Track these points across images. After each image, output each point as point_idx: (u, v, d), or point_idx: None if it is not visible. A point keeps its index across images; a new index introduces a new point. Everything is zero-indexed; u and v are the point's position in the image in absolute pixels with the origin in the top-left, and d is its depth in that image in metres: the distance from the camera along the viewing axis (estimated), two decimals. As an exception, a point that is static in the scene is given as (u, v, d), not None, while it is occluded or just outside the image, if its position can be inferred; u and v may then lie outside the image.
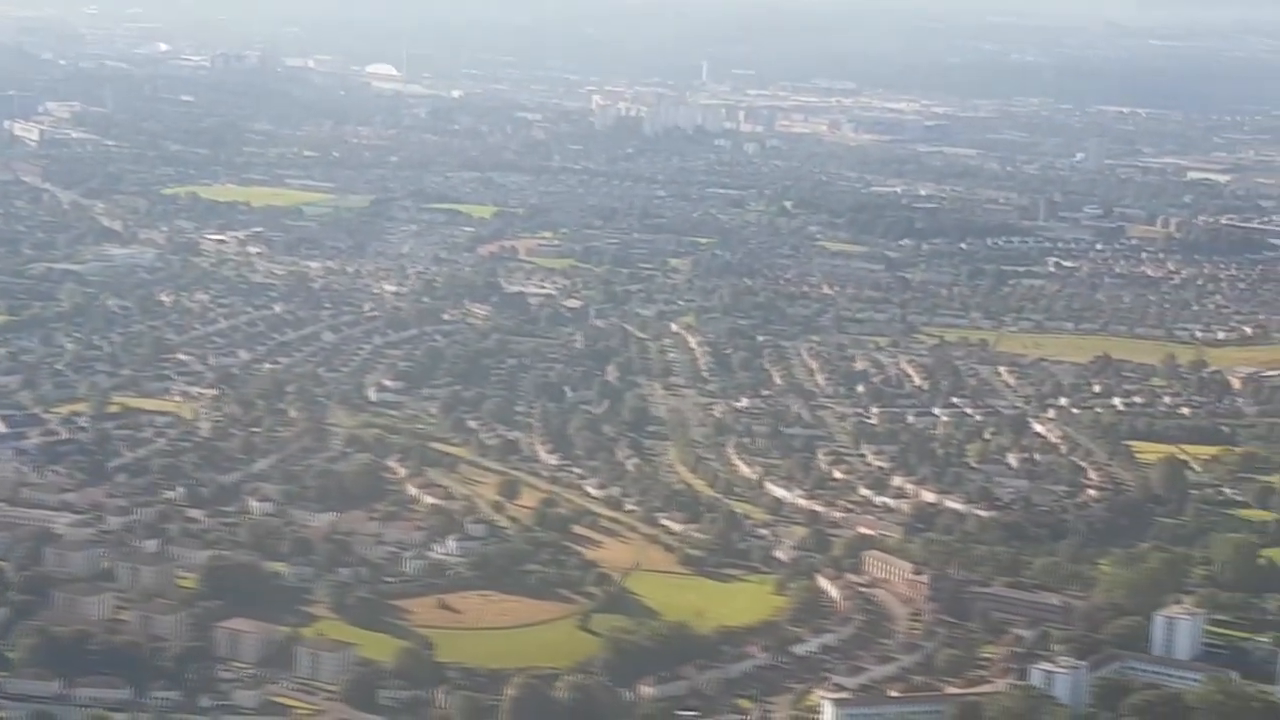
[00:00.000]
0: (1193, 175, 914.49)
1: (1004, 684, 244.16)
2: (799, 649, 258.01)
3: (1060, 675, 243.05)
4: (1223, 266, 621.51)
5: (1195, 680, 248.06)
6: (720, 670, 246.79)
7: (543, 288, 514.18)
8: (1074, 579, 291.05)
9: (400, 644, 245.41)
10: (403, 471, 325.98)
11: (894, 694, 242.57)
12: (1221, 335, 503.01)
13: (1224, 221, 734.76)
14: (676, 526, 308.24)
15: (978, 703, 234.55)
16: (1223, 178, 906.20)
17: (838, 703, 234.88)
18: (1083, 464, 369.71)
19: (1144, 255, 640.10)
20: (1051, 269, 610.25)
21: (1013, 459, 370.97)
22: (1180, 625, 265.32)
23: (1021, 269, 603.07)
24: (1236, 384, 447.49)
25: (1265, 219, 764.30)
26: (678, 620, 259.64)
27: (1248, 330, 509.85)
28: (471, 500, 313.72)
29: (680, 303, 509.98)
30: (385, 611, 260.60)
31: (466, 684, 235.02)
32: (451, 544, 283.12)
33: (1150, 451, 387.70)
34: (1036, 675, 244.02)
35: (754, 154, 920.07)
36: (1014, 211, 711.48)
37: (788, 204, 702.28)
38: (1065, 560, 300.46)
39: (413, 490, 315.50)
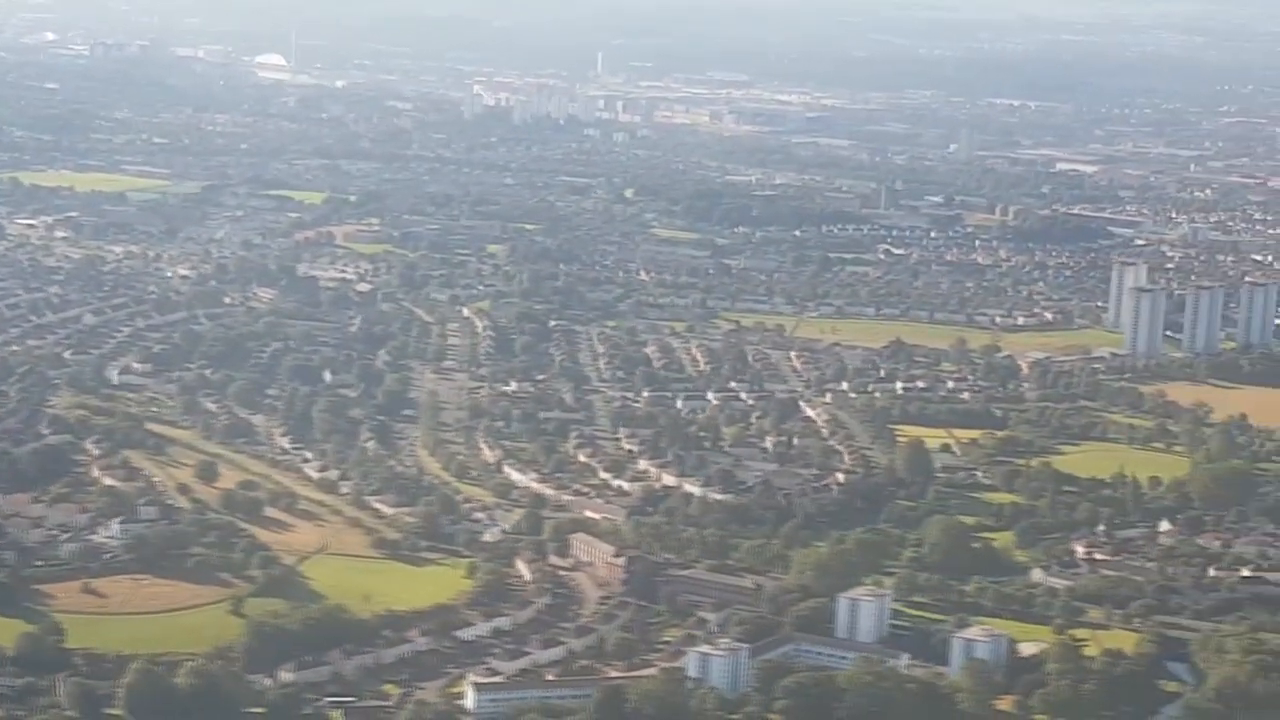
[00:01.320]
0: (1061, 166, 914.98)
1: (665, 668, 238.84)
2: (468, 633, 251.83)
3: (717, 659, 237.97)
4: (1054, 254, 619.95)
5: (853, 661, 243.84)
6: (372, 655, 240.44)
7: (342, 272, 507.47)
8: (778, 562, 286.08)
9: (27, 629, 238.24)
10: (96, 453, 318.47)
11: (550, 678, 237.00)
12: (1022, 321, 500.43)
13: (1073, 211, 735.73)
14: (388, 510, 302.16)
15: (622, 687, 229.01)
16: (1090, 169, 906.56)
17: (480, 688, 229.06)
18: (839, 448, 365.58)
19: (977, 243, 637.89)
20: (880, 256, 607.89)
21: (769, 443, 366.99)
22: (863, 607, 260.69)
23: (849, 256, 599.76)
24: (1025, 369, 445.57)
25: (1117, 209, 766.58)
26: (339, 604, 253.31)
27: (1049, 316, 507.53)
28: (156, 483, 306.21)
29: (480, 288, 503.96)
30: (25, 596, 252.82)
31: (89, 670, 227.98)
32: (115, 527, 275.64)
33: (918, 436, 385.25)
34: (693, 659, 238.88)
35: (620, 143, 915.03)
36: (855, 200, 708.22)
37: (629, 192, 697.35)
38: (779, 543, 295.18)
39: (95, 472, 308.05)
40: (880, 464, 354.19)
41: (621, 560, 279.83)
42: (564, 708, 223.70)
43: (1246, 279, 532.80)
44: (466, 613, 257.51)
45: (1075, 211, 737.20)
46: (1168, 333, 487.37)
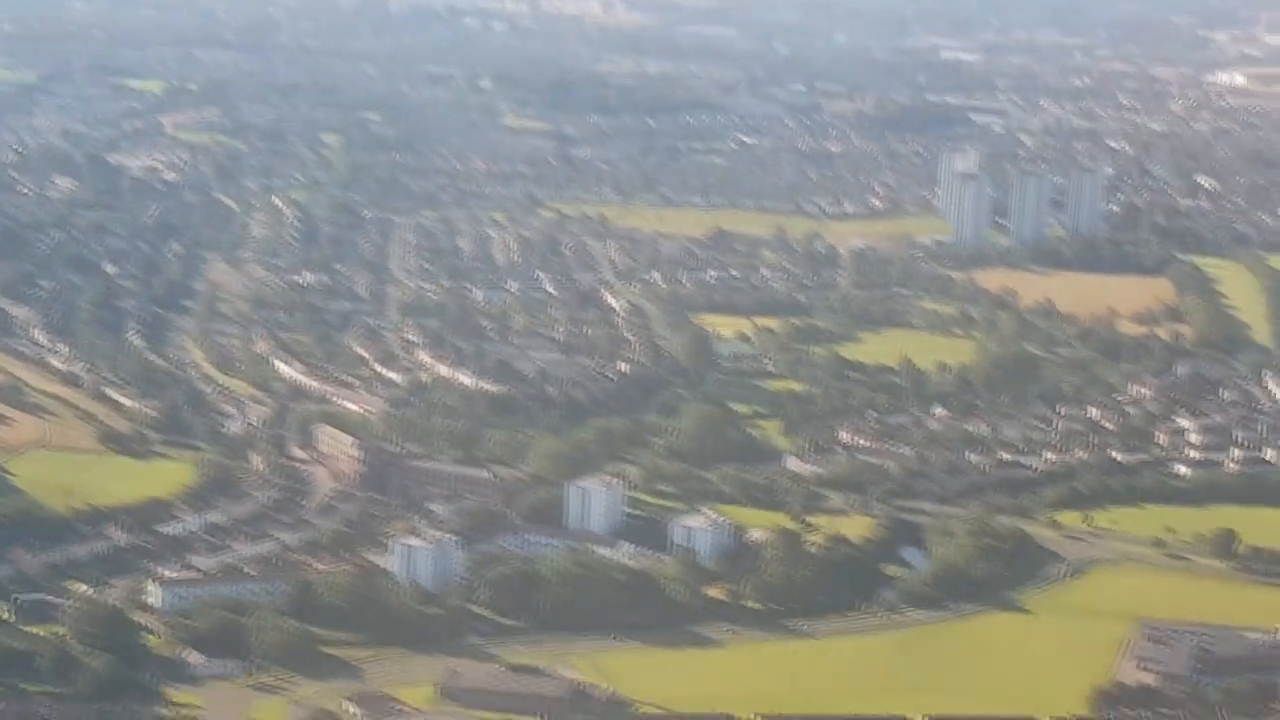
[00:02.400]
0: (945, 55, 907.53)
1: (362, 563, 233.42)
2: (175, 528, 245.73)
3: (422, 551, 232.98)
4: (908, 142, 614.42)
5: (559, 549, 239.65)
6: (61, 551, 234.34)
7: (154, 162, 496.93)
8: (522, 452, 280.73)
9: None
10: None
11: (248, 573, 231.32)
12: (850, 209, 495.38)
13: (943, 99, 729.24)
14: (127, 403, 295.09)
15: (314, 582, 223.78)
16: (974, 57, 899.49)
17: (166, 584, 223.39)
18: (631, 337, 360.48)
19: (833, 131, 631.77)
20: (732, 145, 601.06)
21: (560, 333, 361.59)
22: (594, 497, 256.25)
23: (699, 145, 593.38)
24: (844, 256, 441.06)
25: (988, 97, 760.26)
26: (36, 500, 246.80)
27: (878, 204, 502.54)
28: None
29: (299, 177, 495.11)
30: None
31: None
32: None
33: (721, 324, 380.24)
34: (398, 551, 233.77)
35: (499, 33, 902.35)
36: (716, 89, 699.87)
37: (486, 82, 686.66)
38: (532, 435, 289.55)
39: None
40: (668, 353, 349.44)
41: (359, 453, 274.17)
42: (253, 603, 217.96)
43: (1077, 166, 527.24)
44: (178, 508, 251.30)
45: (944, 100, 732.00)
46: (1000, 220, 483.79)
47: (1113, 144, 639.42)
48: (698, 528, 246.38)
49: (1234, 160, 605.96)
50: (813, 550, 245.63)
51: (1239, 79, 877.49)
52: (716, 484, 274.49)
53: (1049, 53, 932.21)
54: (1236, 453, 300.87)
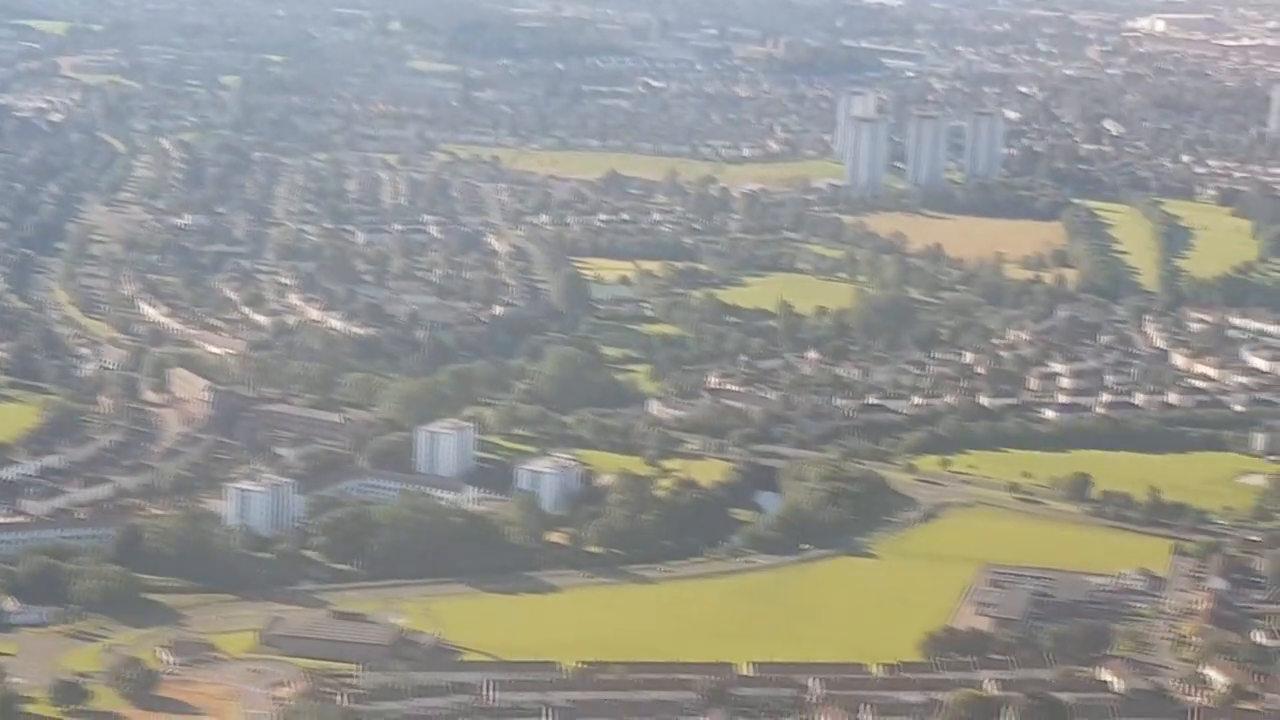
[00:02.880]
0: (868, 0, 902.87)
1: (193, 506, 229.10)
2: (12, 472, 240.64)
3: (257, 495, 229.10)
4: (816, 86, 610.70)
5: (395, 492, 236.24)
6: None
7: (46, 102, 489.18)
8: (380, 396, 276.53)
9: None
10: None
11: (81, 518, 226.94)
12: (747, 152, 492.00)
13: (859, 44, 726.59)
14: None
15: (141, 527, 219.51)
16: (897, 2, 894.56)
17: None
18: (510, 281, 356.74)
19: (742, 75, 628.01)
20: (639, 89, 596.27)
21: (437, 275, 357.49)
22: (443, 441, 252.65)
23: (605, 89, 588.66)
24: (736, 200, 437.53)
25: (906, 41, 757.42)
26: None
27: (775, 147, 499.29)
28: None
29: (191, 119, 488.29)
30: None
31: None
32: None
33: (605, 267, 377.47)
34: (233, 496, 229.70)
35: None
36: (626, 32, 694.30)
37: (396, 24, 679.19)
38: (393, 378, 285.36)
39: None
40: (542, 297, 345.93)
41: (210, 396, 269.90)
42: (78, 549, 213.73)
43: (975, 110, 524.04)
44: (16, 451, 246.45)
45: (859, 45, 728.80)
46: (900, 164, 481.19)
47: (1023, 89, 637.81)
48: (543, 472, 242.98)
49: (1142, 105, 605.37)
50: (660, 495, 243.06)
51: (1159, 25, 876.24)
52: (574, 428, 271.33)
53: (979, 1, 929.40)
54: (1106, 397, 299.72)
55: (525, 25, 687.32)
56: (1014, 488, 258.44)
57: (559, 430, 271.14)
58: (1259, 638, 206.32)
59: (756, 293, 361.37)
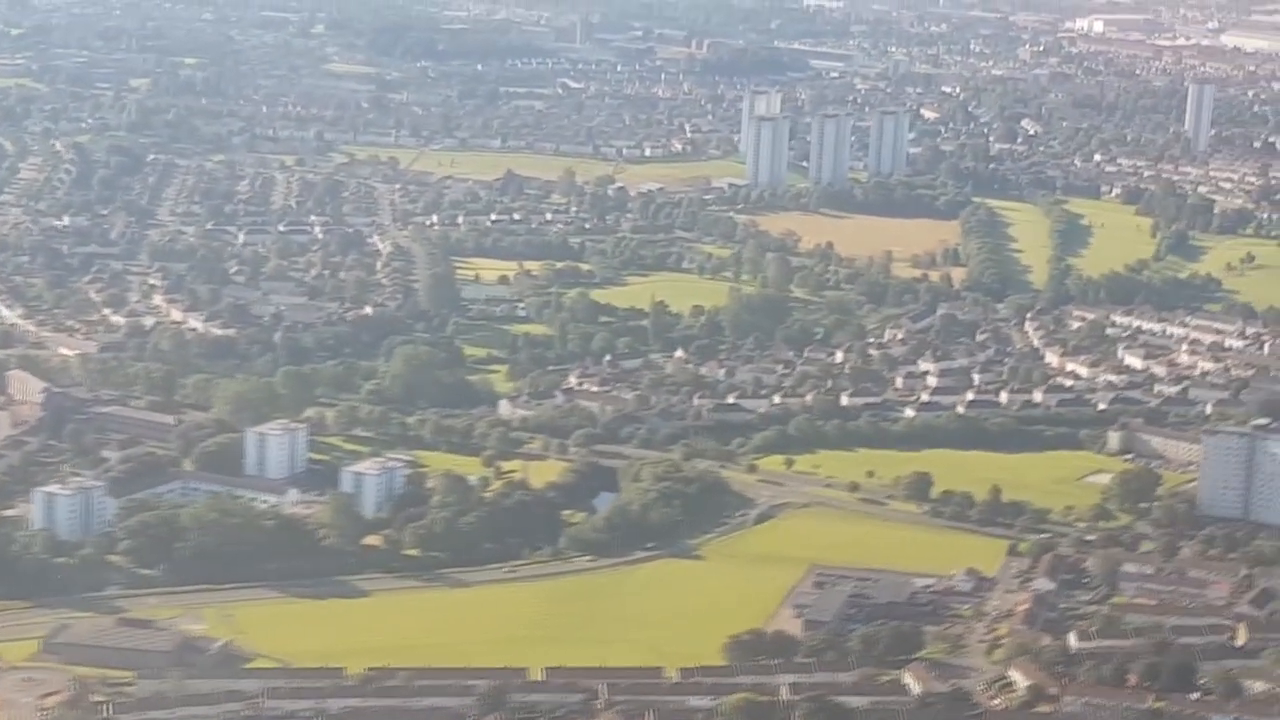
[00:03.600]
0: (809, 2, 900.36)
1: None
2: None
3: (63, 499, 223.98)
4: (737, 87, 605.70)
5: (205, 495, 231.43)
6: None
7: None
8: (220, 397, 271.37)
9: None
10: None
11: None
12: (649, 152, 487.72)
13: (791, 45, 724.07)
14: None
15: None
16: (837, 4, 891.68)
17: None
18: (385, 281, 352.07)
19: (663, 76, 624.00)
20: (558, 90, 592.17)
21: (312, 275, 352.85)
22: (272, 442, 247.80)
23: (522, 90, 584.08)
24: (633, 199, 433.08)
25: (839, 42, 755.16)
26: None
27: (677, 146, 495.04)
28: None
29: (89, 120, 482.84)
30: None
31: None
32: None
33: (489, 268, 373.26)
34: (38, 500, 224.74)
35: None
36: (551, 33, 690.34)
37: (320, 27, 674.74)
38: (240, 379, 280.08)
39: None
40: (414, 297, 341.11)
41: (42, 397, 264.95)
42: None
43: (879, 108, 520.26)
44: None
45: (791, 46, 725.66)
46: (805, 163, 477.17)
47: (947, 89, 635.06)
48: (366, 473, 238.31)
49: (1063, 105, 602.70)
50: (486, 497, 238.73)
51: (1098, 25, 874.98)
52: (415, 429, 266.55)
53: (919, 3, 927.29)
54: (970, 396, 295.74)
55: (449, 28, 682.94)
56: (855, 488, 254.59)
57: (400, 431, 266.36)
58: (1072, 639, 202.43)
59: (636, 292, 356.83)
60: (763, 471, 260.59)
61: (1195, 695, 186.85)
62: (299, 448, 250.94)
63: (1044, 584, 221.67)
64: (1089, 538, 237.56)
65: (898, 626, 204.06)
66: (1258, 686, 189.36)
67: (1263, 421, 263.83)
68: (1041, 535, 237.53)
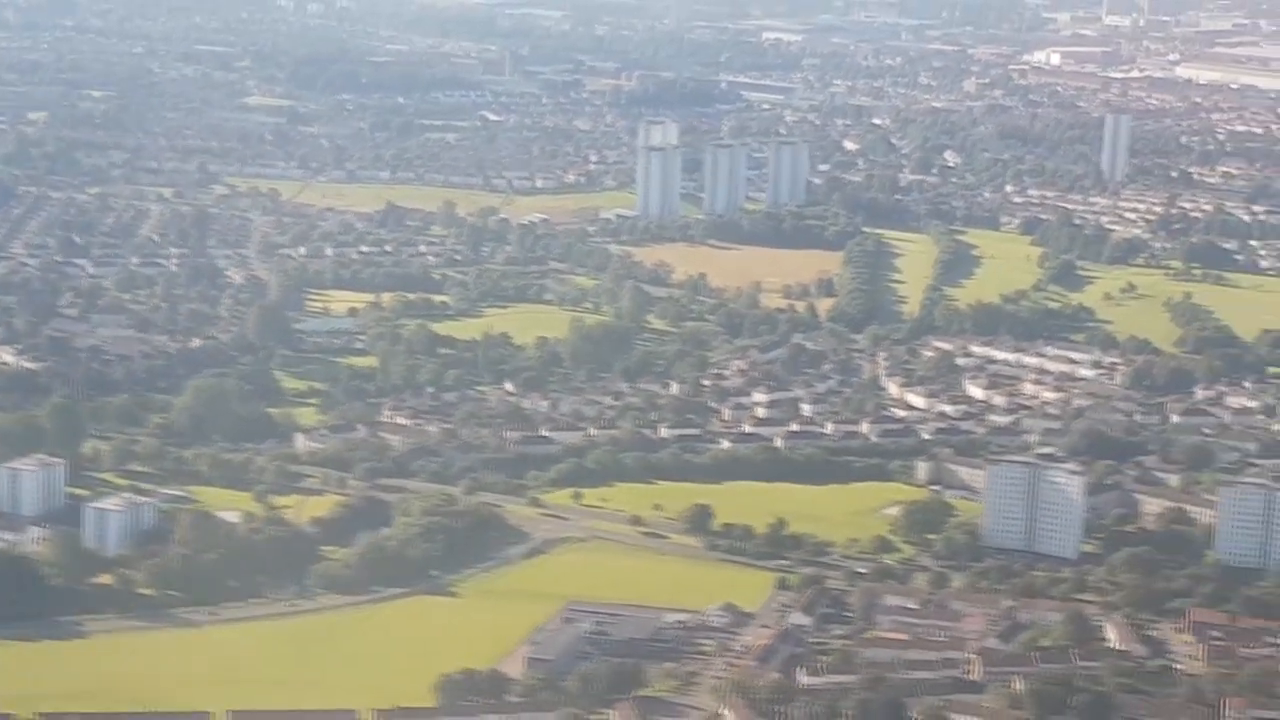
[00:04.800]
0: (768, 36, 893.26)
1: None
2: None
3: None
4: (662, 120, 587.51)
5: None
6: None
7: None
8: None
9: None
10: None
11: None
12: (540, 183, 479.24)
13: (737, 78, 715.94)
14: None
15: None
16: (797, 38, 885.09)
17: None
18: (224, 314, 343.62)
19: (587, 109, 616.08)
20: (475, 122, 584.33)
21: (149, 308, 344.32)
22: (25, 479, 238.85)
23: (439, 122, 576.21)
24: (514, 230, 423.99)
25: (787, 76, 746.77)
26: None
27: (570, 178, 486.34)
28: None
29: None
30: None
31: None
32: None
33: (346, 299, 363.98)
34: None
35: (312, 14, 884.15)
36: (479, 66, 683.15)
37: (245, 61, 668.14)
38: (26, 414, 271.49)
39: None
40: (250, 329, 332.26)
41: None
42: None
43: (776, 137, 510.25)
44: None
45: (735, 79, 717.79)
46: (704, 194, 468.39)
47: (877, 120, 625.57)
48: (109, 510, 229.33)
49: (990, 136, 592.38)
50: (239, 533, 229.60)
51: (1054, 58, 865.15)
52: (192, 463, 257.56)
53: (877, 33, 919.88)
54: (794, 426, 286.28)
55: (374, 60, 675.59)
56: (636, 521, 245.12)
57: (176, 466, 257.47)
58: (802, 676, 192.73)
59: (490, 324, 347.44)
60: (548, 505, 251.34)
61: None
62: (55, 484, 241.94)
63: (799, 618, 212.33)
64: (860, 570, 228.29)
65: (619, 664, 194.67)
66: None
67: (1047, 450, 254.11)
68: (811, 569, 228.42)
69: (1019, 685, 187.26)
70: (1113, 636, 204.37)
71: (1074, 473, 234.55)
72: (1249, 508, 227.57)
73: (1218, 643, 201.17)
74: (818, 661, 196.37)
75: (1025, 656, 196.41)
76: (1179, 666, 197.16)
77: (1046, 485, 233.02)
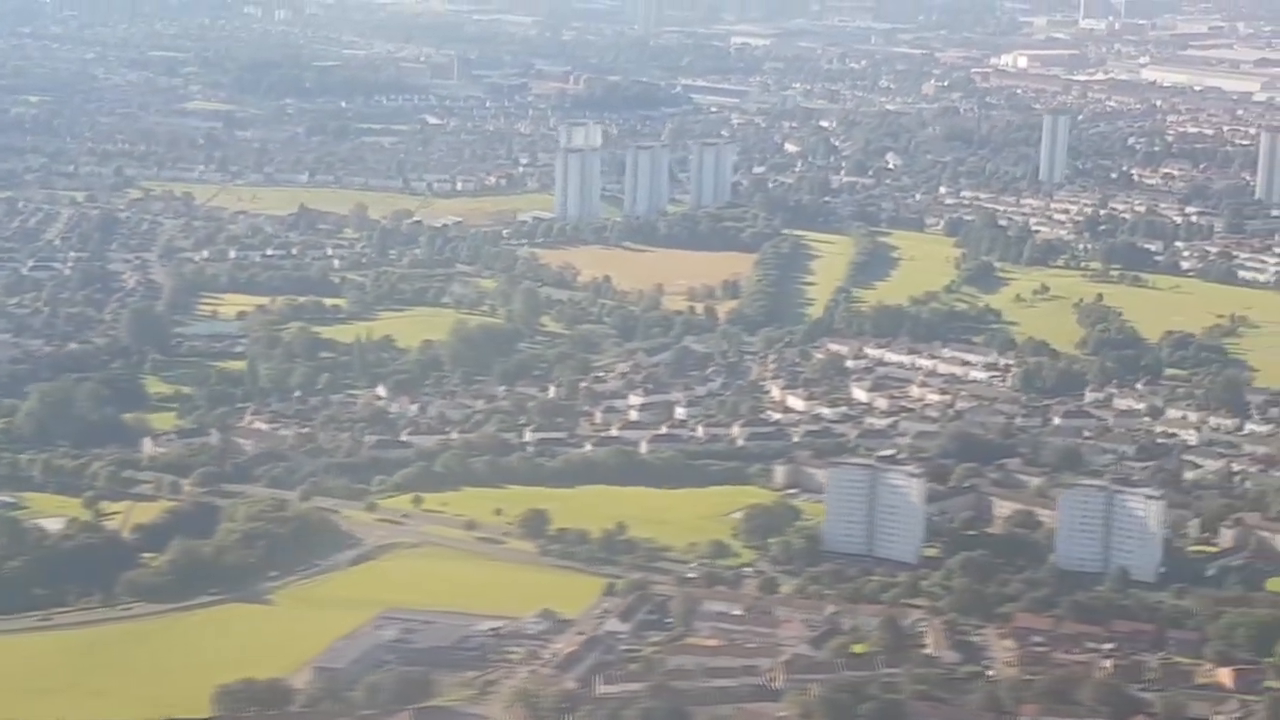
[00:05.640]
0: (736, 40, 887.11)
1: None
2: None
3: None
4: (606, 123, 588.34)
5: None
6: None
7: None
8: None
9: None
10: None
11: None
12: (460, 185, 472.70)
13: (693, 82, 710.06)
14: None
15: None
16: (765, 42, 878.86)
17: None
18: (107, 317, 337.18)
19: (531, 112, 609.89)
20: (416, 126, 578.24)
21: (29, 311, 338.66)
22: None
23: (378, 126, 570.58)
24: (426, 234, 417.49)
25: (744, 79, 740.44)
26: None
27: (491, 180, 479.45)
28: None
29: None
30: None
31: None
32: None
33: (239, 303, 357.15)
34: None
35: (278, 20, 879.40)
36: (426, 70, 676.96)
37: (192, 66, 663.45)
38: None
39: None
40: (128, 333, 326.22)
41: None
42: None
43: (703, 139, 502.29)
44: None
45: (692, 82, 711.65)
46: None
47: (824, 123, 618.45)
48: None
49: (937, 139, 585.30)
50: (49, 541, 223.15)
51: (1021, 61, 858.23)
52: (25, 468, 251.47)
53: (848, 37, 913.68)
54: (664, 430, 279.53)
55: (319, 64, 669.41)
56: (472, 526, 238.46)
57: (10, 471, 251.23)
58: (600, 684, 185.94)
59: (381, 327, 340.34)
60: (385, 511, 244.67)
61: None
62: None
63: (614, 625, 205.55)
64: (690, 575, 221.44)
65: (408, 673, 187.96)
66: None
67: (887, 453, 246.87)
68: (642, 574, 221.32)
69: (815, 693, 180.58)
70: (930, 642, 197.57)
71: (913, 475, 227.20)
72: (1090, 510, 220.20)
73: (1037, 648, 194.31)
74: (619, 670, 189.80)
75: (830, 663, 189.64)
76: (990, 673, 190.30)
77: (886, 488, 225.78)
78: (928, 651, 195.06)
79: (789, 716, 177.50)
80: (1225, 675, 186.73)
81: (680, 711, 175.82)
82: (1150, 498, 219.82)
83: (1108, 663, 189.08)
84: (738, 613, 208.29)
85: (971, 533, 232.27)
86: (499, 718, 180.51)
